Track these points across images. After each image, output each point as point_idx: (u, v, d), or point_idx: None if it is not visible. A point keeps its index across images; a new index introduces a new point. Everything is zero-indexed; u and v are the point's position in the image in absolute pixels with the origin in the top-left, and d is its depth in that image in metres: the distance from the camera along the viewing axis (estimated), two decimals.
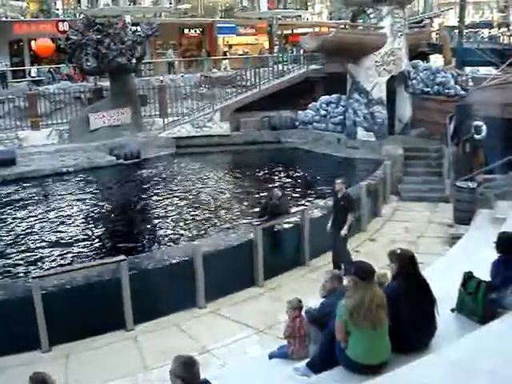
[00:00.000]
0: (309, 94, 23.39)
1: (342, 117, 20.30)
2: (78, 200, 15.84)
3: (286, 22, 39.08)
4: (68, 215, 14.49)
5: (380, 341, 4.47)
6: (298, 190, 16.32)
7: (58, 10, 33.97)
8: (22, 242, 12.49)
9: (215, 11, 38.24)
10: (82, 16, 27.49)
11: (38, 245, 12.28)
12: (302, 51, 26.82)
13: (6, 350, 7.29)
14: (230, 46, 37.78)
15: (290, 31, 40.53)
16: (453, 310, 5.34)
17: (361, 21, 20.52)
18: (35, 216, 14.27)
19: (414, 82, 19.12)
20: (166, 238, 12.66)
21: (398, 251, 4.99)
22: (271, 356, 5.96)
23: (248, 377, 5.82)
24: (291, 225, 10.69)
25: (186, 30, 35.95)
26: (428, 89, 18.66)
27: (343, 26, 22.23)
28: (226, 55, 34.89)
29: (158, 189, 16.99)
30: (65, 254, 11.71)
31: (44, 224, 13.66)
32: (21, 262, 11.31)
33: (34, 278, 7.65)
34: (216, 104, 23.03)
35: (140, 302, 8.03)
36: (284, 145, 21.94)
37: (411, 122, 19.33)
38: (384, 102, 19.12)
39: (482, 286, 5.11)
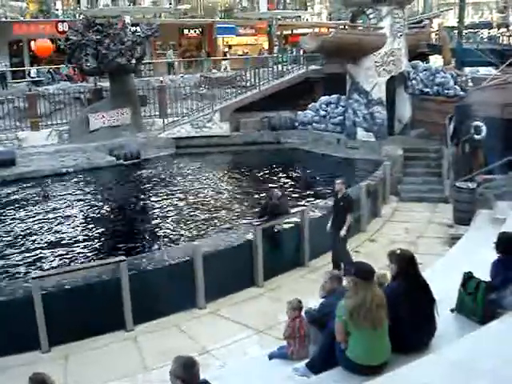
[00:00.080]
0: (308, 95, 23.39)
1: (341, 117, 20.30)
2: (77, 200, 15.84)
3: (286, 22, 39.10)
4: (68, 216, 14.48)
5: (380, 341, 4.47)
6: (297, 190, 16.32)
7: (57, 10, 34.01)
8: (22, 242, 12.48)
9: (215, 12, 38.28)
10: (81, 16, 27.57)
11: (37, 245, 12.27)
12: (301, 52, 26.86)
13: (6, 350, 7.28)
14: (230, 47, 37.82)
15: (289, 32, 40.56)
16: (452, 310, 5.34)
17: (360, 21, 20.52)
18: (35, 216, 14.26)
19: (413, 82, 19.14)
20: (166, 239, 12.66)
21: (398, 252, 4.98)
22: (271, 356, 5.96)
23: (248, 377, 5.81)
24: (291, 225, 10.69)
25: (186, 31, 35.98)
26: (427, 89, 18.68)
27: (343, 27, 22.20)
28: (226, 55, 34.92)
29: (158, 189, 16.99)
30: (64, 254, 11.70)
31: (44, 224, 13.66)
32: (21, 262, 11.30)
33: (33, 278, 7.65)
34: (216, 104, 23.02)
35: (140, 302, 8.03)
36: (284, 145, 21.94)
37: (411, 123, 19.34)
38: (384, 103, 19.13)
39: (481, 287, 5.11)
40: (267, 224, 9.90)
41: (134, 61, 21.94)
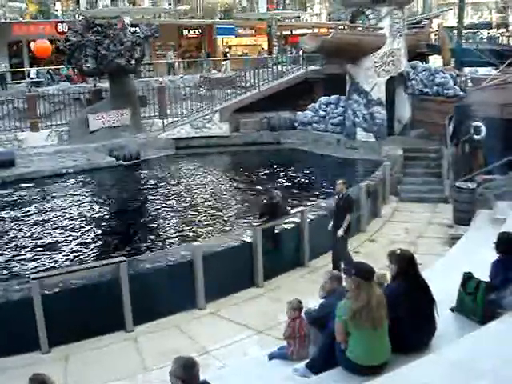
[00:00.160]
0: (308, 95, 23.40)
1: (341, 117, 20.32)
2: (77, 201, 15.82)
3: (285, 22, 39.17)
4: (67, 216, 14.48)
5: (380, 341, 4.47)
6: (297, 190, 16.32)
7: (57, 11, 34.06)
8: (22, 242, 12.48)
9: (214, 12, 38.32)
10: (81, 17, 27.56)
11: (37, 246, 12.27)
12: (301, 52, 26.84)
13: (6, 351, 7.27)
14: (230, 47, 37.84)
15: (289, 32, 40.61)
16: (452, 310, 5.34)
17: (360, 22, 20.53)
18: (35, 217, 14.26)
19: (413, 82, 19.15)
20: (166, 239, 12.65)
21: (398, 252, 4.99)
22: (271, 357, 5.96)
23: (248, 377, 5.81)
24: (291, 225, 10.68)
25: (186, 31, 36.00)
26: (427, 89, 18.70)
27: (342, 27, 22.23)
28: (226, 56, 34.95)
29: (158, 190, 16.98)
30: (64, 254, 11.70)
31: (43, 225, 13.66)
32: (20, 262, 11.30)
33: (33, 279, 7.64)
34: (215, 105, 23.04)
35: (140, 303, 8.02)
36: (283, 146, 21.95)
37: (410, 123, 19.35)
38: (383, 103, 19.14)
39: (481, 287, 5.11)
40: (267, 224, 9.90)
41: (133, 61, 21.93)
